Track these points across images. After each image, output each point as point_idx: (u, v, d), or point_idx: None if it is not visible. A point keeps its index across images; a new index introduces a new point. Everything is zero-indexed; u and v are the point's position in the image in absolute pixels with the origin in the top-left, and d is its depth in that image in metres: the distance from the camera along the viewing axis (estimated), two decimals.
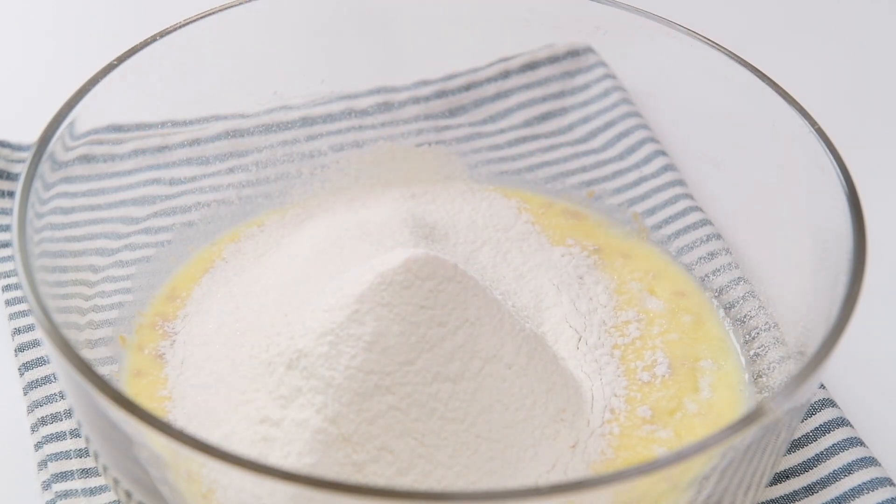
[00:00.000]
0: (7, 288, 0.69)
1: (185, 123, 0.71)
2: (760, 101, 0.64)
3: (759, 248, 0.67)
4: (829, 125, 0.61)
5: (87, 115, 0.62)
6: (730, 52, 0.66)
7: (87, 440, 0.58)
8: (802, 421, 0.63)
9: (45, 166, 0.59)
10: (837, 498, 0.60)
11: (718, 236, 0.70)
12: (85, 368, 0.50)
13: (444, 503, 0.48)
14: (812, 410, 0.63)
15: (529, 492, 0.47)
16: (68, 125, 0.61)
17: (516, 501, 0.47)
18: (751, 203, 0.68)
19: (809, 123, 0.61)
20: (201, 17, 0.67)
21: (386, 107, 0.76)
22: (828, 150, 0.60)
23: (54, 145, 0.60)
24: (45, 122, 0.61)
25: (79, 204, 0.64)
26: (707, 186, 0.72)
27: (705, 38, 0.67)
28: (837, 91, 0.84)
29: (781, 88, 0.63)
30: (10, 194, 0.73)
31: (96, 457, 0.58)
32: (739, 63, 0.66)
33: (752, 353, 0.65)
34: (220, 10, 0.68)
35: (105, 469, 0.57)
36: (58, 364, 0.53)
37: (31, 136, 0.74)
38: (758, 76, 0.64)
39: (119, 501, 0.59)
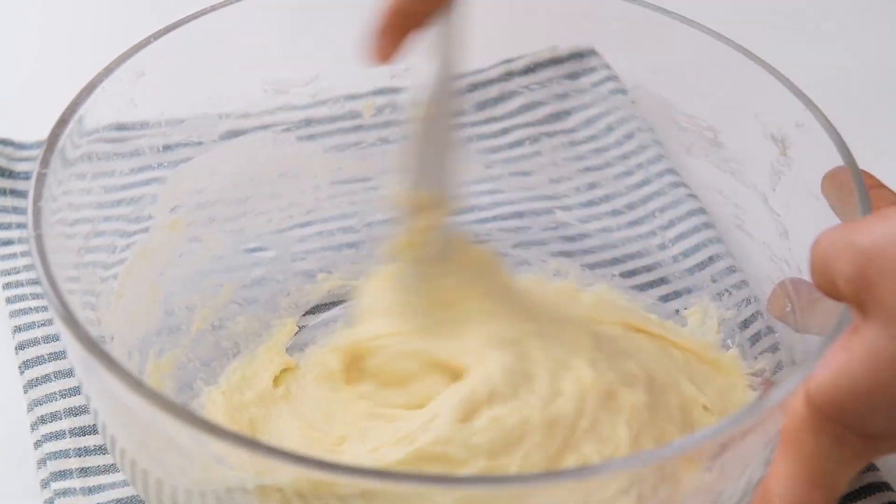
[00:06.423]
0: (7, 286, 0.69)
1: (185, 123, 0.71)
2: (773, 100, 0.63)
3: (758, 250, 0.67)
4: (843, 127, 0.60)
5: (93, 113, 0.62)
6: (743, 48, 0.64)
7: (104, 427, 0.56)
8: None
9: (56, 162, 0.59)
10: None
11: (719, 240, 0.70)
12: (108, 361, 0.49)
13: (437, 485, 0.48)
14: None
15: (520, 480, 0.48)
16: (77, 121, 0.61)
17: (515, 486, 0.47)
18: (754, 205, 0.68)
19: (828, 131, 0.59)
20: (202, 15, 0.67)
21: (386, 107, 0.76)
22: (843, 151, 0.59)
23: (64, 141, 0.60)
24: (45, 121, 0.60)
25: (83, 202, 0.64)
26: (711, 188, 0.72)
27: (714, 31, 0.65)
28: (850, 91, 0.83)
29: (798, 89, 0.62)
30: (12, 192, 0.73)
31: (113, 442, 0.56)
32: (753, 60, 0.63)
33: None
34: (220, 9, 0.68)
35: (122, 453, 0.55)
36: (76, 355, 0.52)
37: (33, 134, 0.74)
38: (773, 75, 0.62)
39: (119, 501, 0.59)
